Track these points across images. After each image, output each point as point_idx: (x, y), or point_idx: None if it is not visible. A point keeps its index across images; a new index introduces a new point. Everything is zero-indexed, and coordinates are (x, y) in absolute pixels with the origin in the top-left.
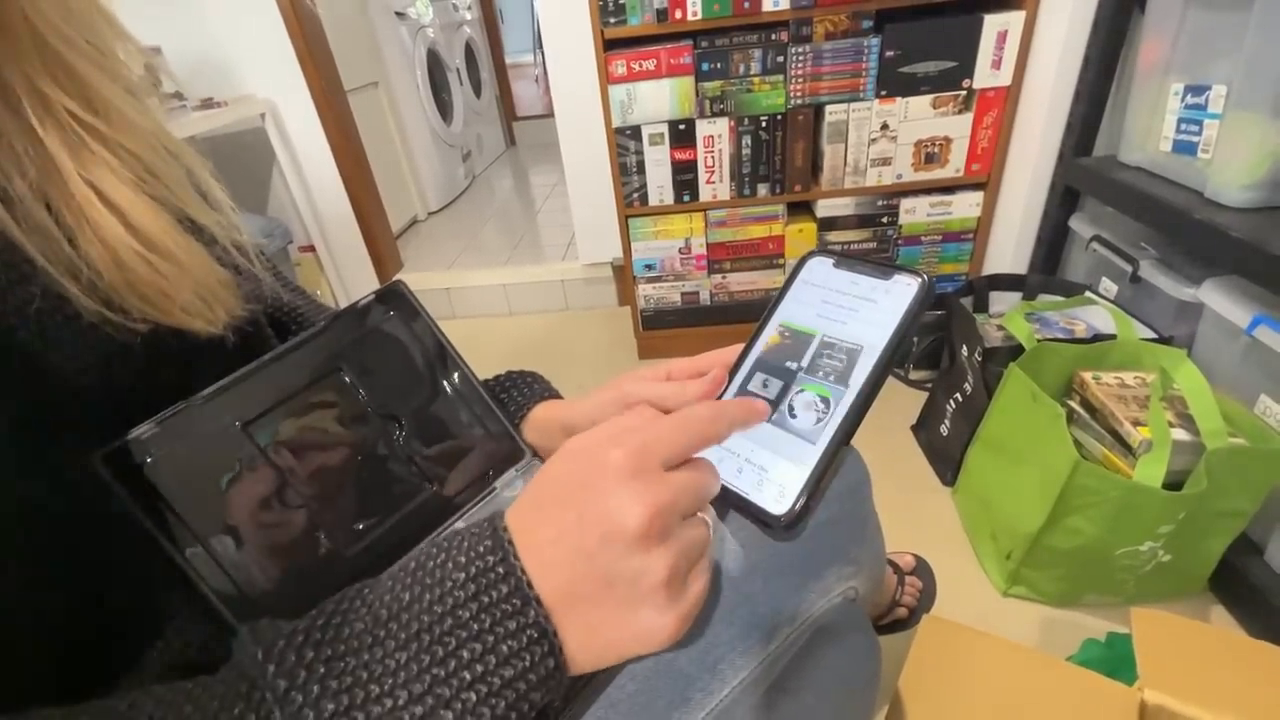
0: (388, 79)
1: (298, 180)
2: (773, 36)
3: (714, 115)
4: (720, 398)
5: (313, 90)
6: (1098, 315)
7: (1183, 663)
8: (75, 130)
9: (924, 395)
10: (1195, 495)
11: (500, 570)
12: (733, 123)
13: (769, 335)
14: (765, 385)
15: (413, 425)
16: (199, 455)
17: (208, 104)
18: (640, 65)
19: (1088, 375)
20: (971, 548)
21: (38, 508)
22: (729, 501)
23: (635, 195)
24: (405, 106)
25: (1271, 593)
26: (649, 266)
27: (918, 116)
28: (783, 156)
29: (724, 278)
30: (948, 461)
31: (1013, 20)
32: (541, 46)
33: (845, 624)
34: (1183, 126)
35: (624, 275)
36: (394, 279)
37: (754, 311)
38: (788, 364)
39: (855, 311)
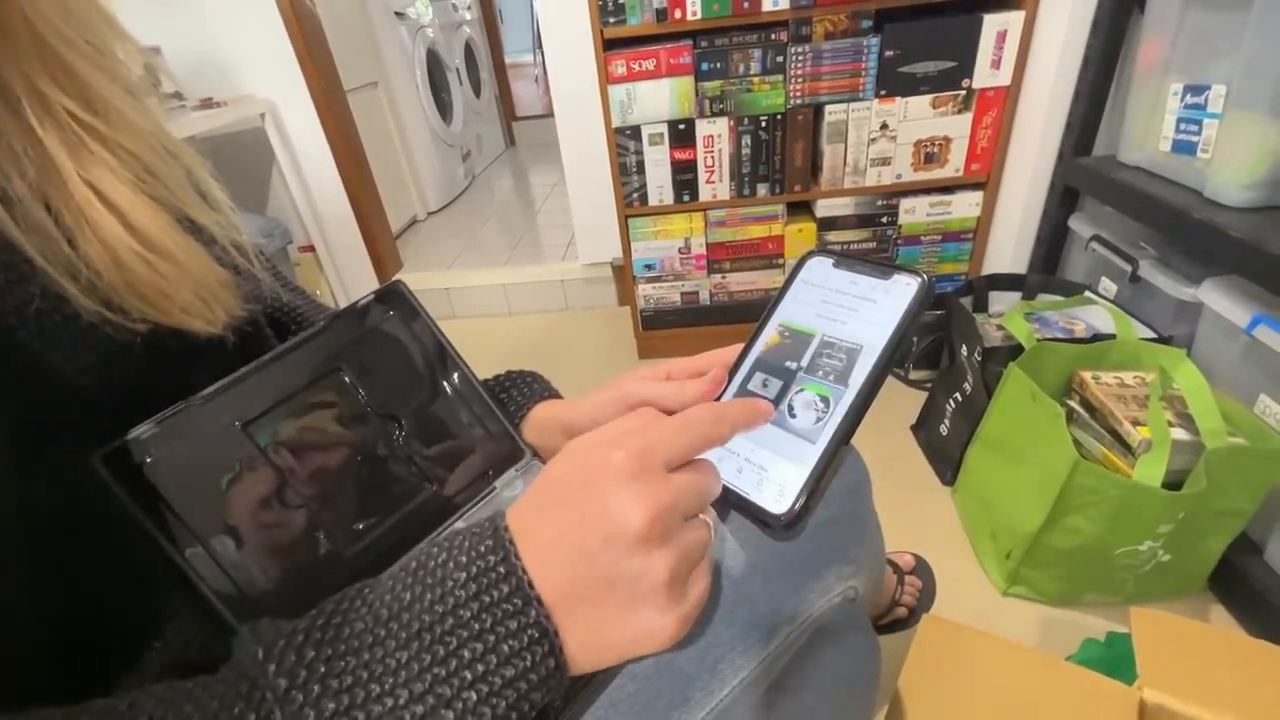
0: (387, 79)
1: (297, 180)
2: (772, 36)
3: (714, 115)
4: (720, 397)
5: (312, 90)
6: (1097, 315)
7: (1182, 662)
8: (74, 130)
9: (924, 395)
10: (1195, 495)
11: (501, 570)
12: (732, 123)
13: (769, 335)
14: (765, 385)
15: (412, 425)
16: (198, 455)
17: (207, 104)
18: (640, 65)
19: (1087, 375)
20: (971, 547)
21: (37, 508)
22: (729, 501)
23: (635, 195)
24: (405, 106)
25: (1271, 592)
26: (649, 266)
27: (917, 116)
28: (782, 156)
29: (724, 278)
30: (947, 461)
31: (1012, 20)
32: (541, 46)
33: (845, 623)
34: (1182, 126)
35: (624, 275)
36: (393, 279)
37: (754, 311)
38: (787, 364)
39: (855, 311)
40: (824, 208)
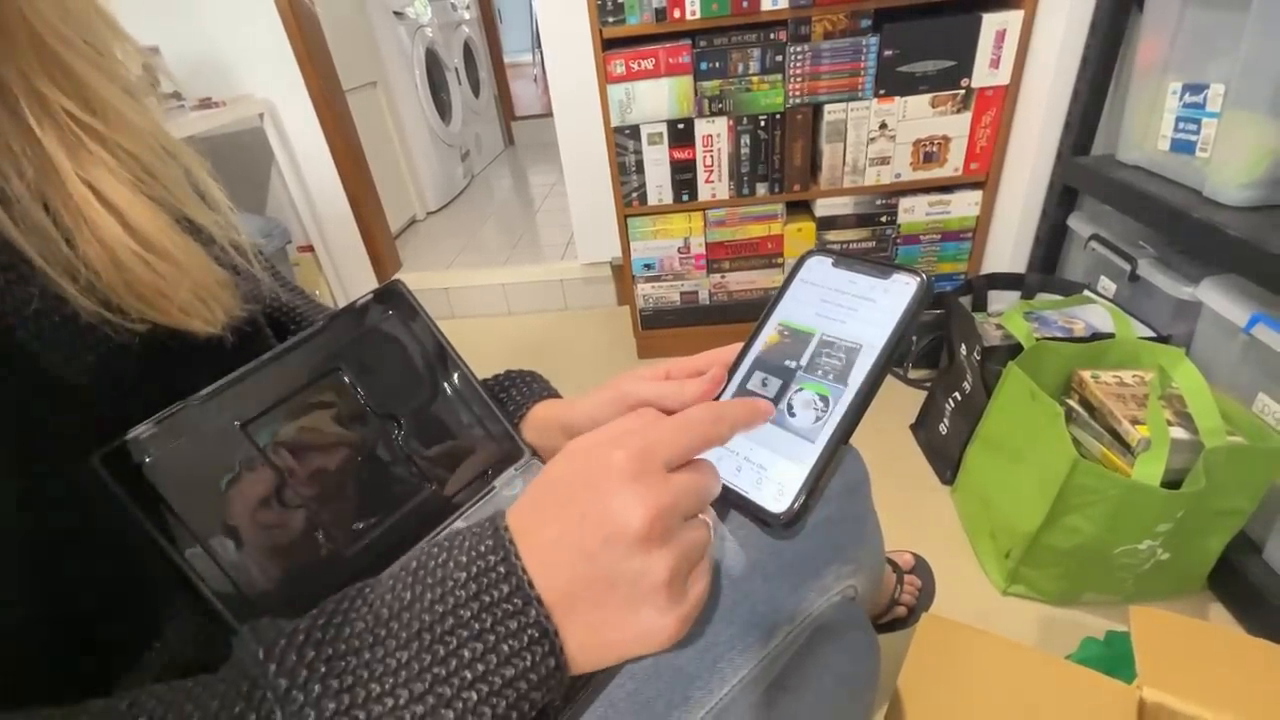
0: (386, 79)
1: (296, 180)
2: (771, 36)
3: (713, 115)
4: (719, 397)
5: (311, 90)
6: (1096, 314)
7: (1181, 661)
8: (73, 130)
9: (923, 394)
10: (1194, 494)
11: (501, 570)
12: (731, 122)
13: (768, 334)
14: (764, 384)
15: (412, 425)
16: (198, 455)
17: (206, 104)
18: (639, 65)
19: (1086, 374)
20: (970, 546)
21: (37, 507)
22: (728, 500)
23: (634, 195)
24: (404, 106)
25: (1270, 591)
26: (648, 266)
27: (916, 116)
28: (781, 156)
29: (723, 277)
30: (947, 460)
31: (1011, 19)
32: (540, 46)
33: (844, 622)
34: (1181, 125)
35: (623, 275)
36: (392, 278)
37: (753, 311)
38: (787, 363)
39: (854, 310)
40: (823, 207)
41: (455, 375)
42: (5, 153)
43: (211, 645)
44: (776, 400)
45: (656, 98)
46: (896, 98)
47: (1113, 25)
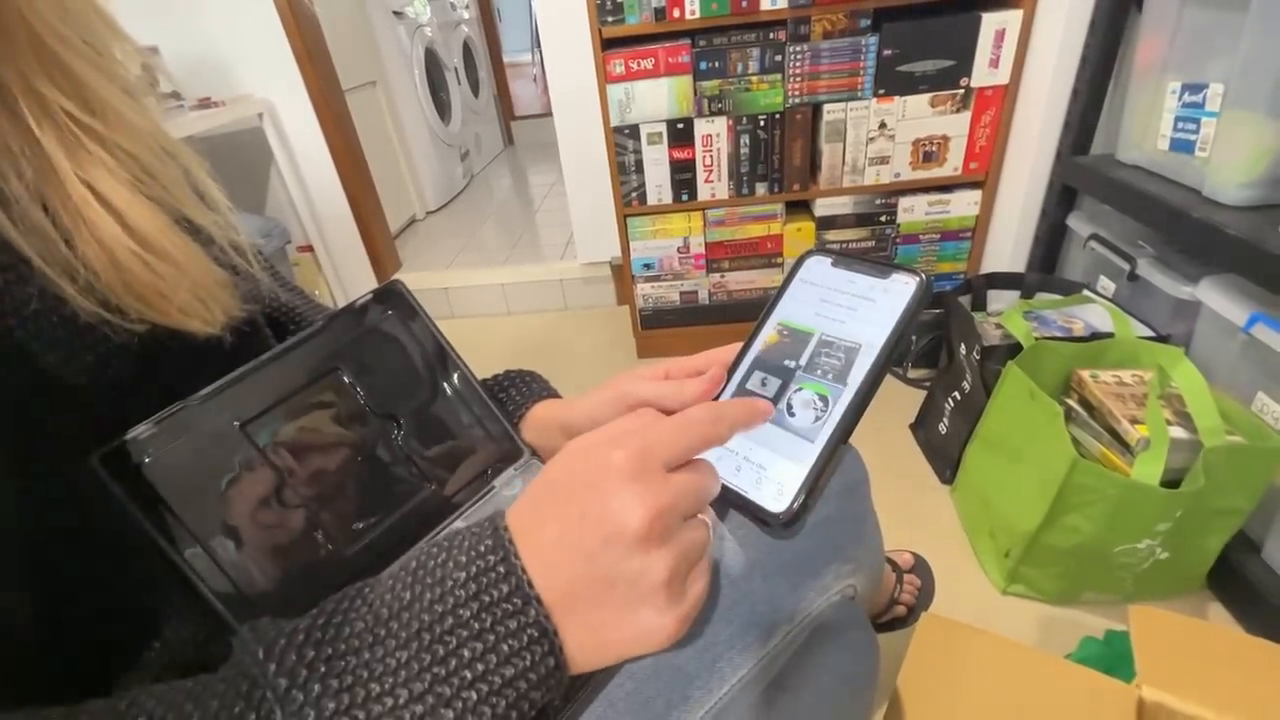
0: (385, 78)
1: (295, 180)
2: (770, 35)
3: (712, 114)
4: (719, 397)
5: (310, 90)
6: (1095, 313)
7: (1181, 660)
8: (72, 130)
9: (922, 394)
10: (1193, 493)
11: (501, 570)
12: (731, 122)
13: (767, 334)
14: (764, 384)
15: (411, 424)
16: (197, 455)
17: (205, 104)
18: (638, 64)
19: (1085, 373)
20: (970, 546)
21: (36, 507)
22: (728, 500)
23: (633, 194)
24: (403, 106)
25: (1269, 590)
26: (647, 266)
27: (916, 115)
28: (781, 155)
29: (722, 277)
30: (946, 460)
31: (1010, 19)
32: (539, 45)
33: (844, 622)
34: (1180, 125)
35: (622, 274)
36: (392, 278)
37: (752, 310)
38: (786, 362)
39: (853, 310)
40: (823, 207)
41: (455, 375)
42: (4, 153)
43: (211, 645)
44: (776, 400)
45: (656, 97)
46: (896, 97)
47: (1112, 25)
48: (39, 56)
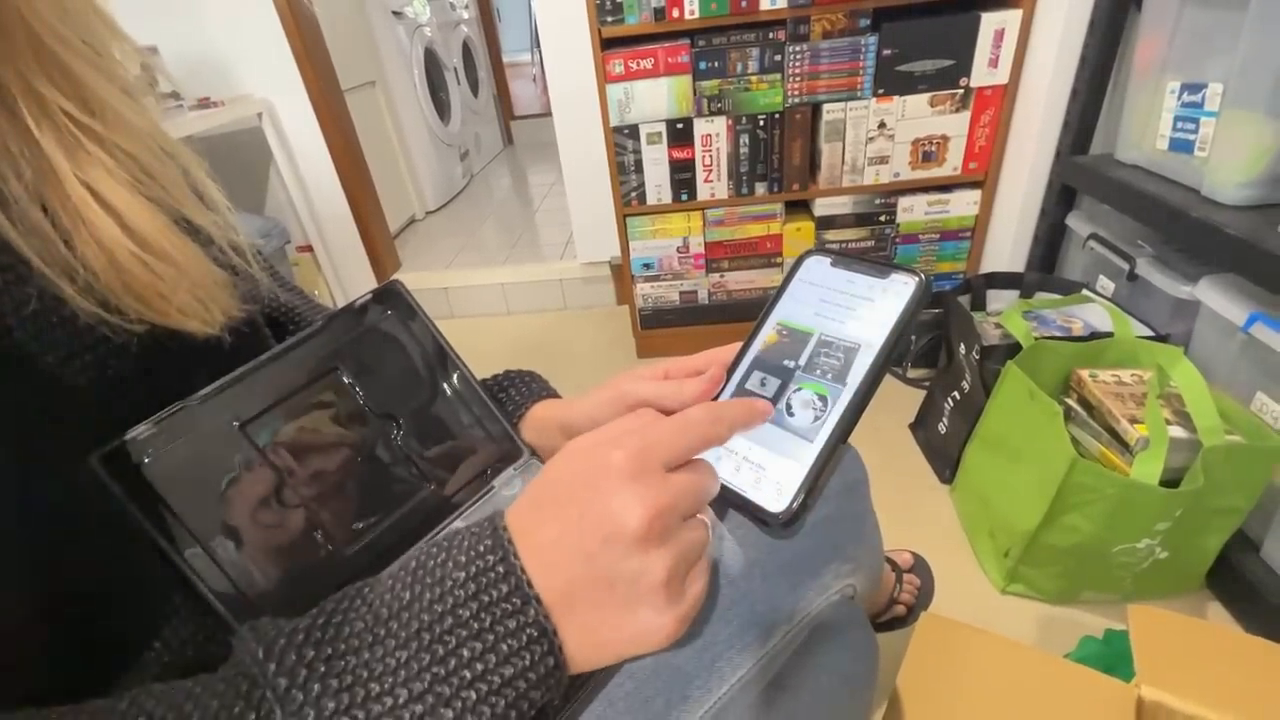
0: (385, 78)
1: (295, 180)
2: (770, 35)
3: (712, 114)
4: (718, 396)
5: (310, 90)
6: (1095, 313)
7: (1180, 659)
8: (71, 131)
9: (922, 393)
10: (1192, 492)
11: (500, 570)
12: (730, 122)
13: (767, 334)
14: (763, 384)
15: (411, 424)
16: (197, 455)
17: (204, 104)
18: (638, 64)
19: (1085, 373)
20: (970, 545)
21: (36, 507)
22: (727, 499)
23: (633, 194)
24: (402, 106)
25: (1268, 589)
26: (647, 265)
27: (915, 115)
28: (780, 155)
29: (722, 277)
30: (946, 459)
31: (1010, 19)
32: (539, 45)
33: (843, 622)
34: (1179, 124)
35: (622, 274)
36: (391, 278)
37: (752, 310)
38: (785, 362)
39: (852, 310)
40: (822, 206)
41: (454, 375)
42: (3, 154)
43: (211, 645)
44: (775, 400)
45: (655, 97)
46: (895, 97)
47: (1111, 24)
48: (38, 57)
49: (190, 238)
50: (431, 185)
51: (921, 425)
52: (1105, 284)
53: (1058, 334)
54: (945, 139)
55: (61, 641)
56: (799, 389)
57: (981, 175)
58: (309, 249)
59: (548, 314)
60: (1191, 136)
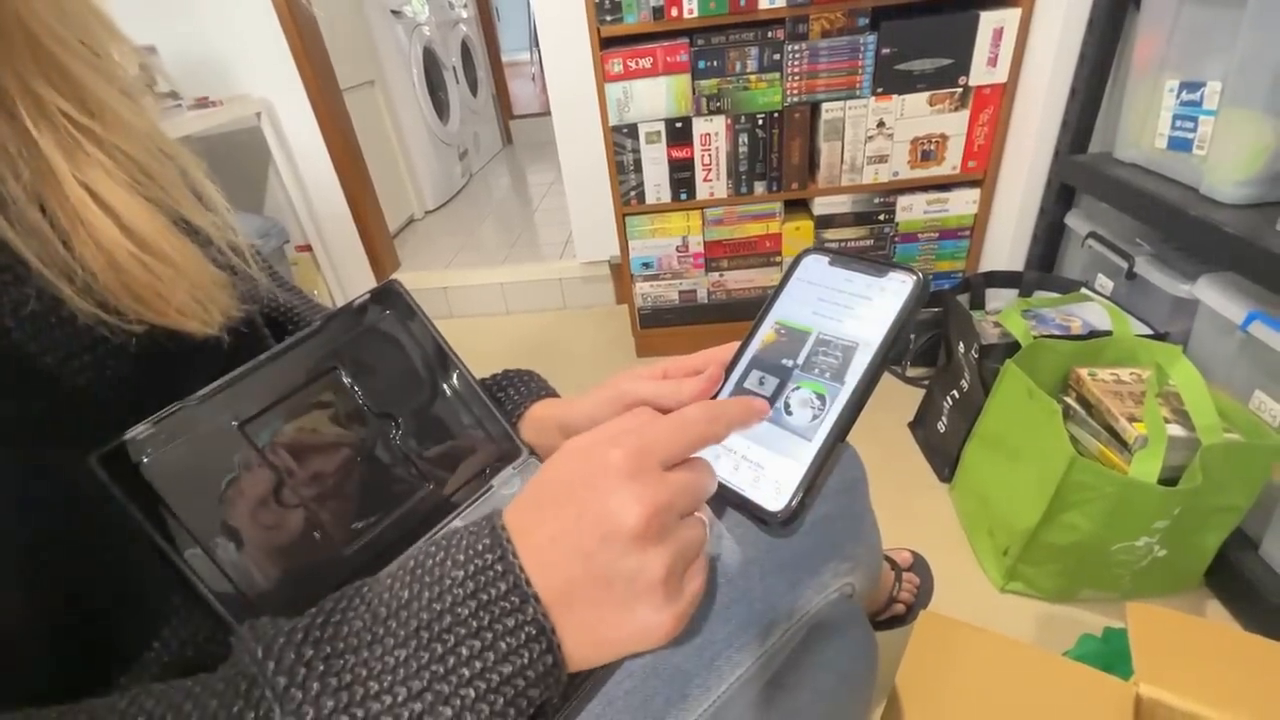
0: (384, 77)
1: (294, 180)
2: (769, 34)
3: (711, 113)
4: (717, 396)
5: (308, 89)
6: (1094, 312)
7: (1178, 658)
8: (70, 132)
9: (921, 392)
10: (1190, 491)
11: (499, 568)
12: (729, 121)
13: (765, 333)
14: (761, 383)
15: (410, 424)
16: (196, 455)
17: (203, 103)
18: (637, 63)
19: (1084, 371)
20: (969, 544)
21: (35, 508)
22: (726, 498)
23: (632, 193)
24: (401, 105)
25: (1266, 587)
26: (646, 265)
27: (914, 114)
28: (779, 154)
29: (721, 276)
30: (945, 458)
31: (1008, 17)
32: (538, 44)
33: (842, 620)
34: (1178, 123)
35: (621, 274)
36: (390, 278)
37: (751, 309)
38: (784, 361)
39: (851, 309)
40: (821, 205)
41: (453, 375)
42: (2, 155)
43: (210, 645)
44: (773, 399)
45: (654, 96)
46: (894, 96)
47: (1110, 23)
48: (36, 58)
49: (189, 238)
50: (430, 185)
51: (920, 424)
52: (1104, 282)
53: (1056, 332)
54: (944, 138)
55: (61, 641)
56: (797, 388)
57: (980, 174)
58: (308, 249)
59: (547, 313)
60: (1190, 135)
